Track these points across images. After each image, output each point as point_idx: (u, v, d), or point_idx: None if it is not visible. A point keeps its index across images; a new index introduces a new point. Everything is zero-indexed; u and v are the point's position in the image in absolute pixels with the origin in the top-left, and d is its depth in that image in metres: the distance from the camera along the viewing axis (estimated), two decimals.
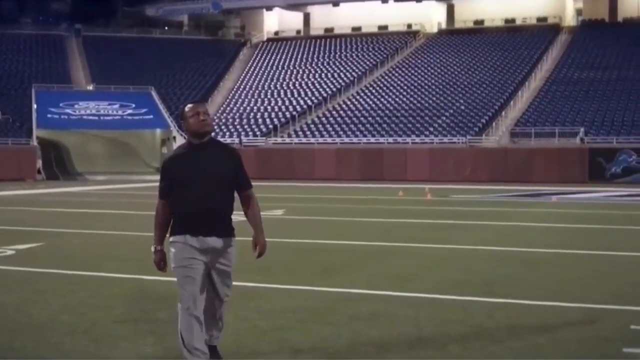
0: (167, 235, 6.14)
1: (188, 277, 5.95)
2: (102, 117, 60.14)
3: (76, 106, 60.42)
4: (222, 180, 6.00)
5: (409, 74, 66.41)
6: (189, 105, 6.08)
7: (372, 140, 53.98)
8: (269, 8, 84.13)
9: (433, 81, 63.65)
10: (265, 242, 6.22)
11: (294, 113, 61.08)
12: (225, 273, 6.14)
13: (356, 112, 59.91)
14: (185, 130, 6.20)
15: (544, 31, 71.53)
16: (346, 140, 54.50)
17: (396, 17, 78.02)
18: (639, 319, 8.40)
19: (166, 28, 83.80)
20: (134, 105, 60.98)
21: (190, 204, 5.95)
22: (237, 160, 6.15)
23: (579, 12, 75.75)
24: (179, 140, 57.93)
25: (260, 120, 60.76)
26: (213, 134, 6.30)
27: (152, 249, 6.15)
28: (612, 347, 7.23)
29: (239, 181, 6.15)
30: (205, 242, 5.97)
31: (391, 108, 59.17)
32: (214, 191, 5.96)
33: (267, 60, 75.21)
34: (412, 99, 60.49)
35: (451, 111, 56.52)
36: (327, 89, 65.66)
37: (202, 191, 5.93)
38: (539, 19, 74.62)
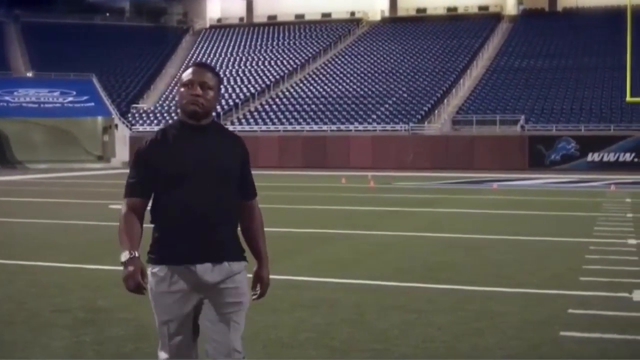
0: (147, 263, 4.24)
1: (172, 331, 4.14)
2: (42, 105, 59.25)
3: (15, 93, 59.45)
4: (225, 179, 4.16)
5: (352, 62, 66.52)
6: (188, 69, 4.25)
7: (315, 127, 54.01)
8: None
9: (376, 69, 63.85)
10: (268, 280, 4.41)
11: (237, 101, 60.84)
12: (233, 316, 4.15)
13: (299, 99, 59.90)
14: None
15: (485, 20, 72.18)
16: (289, 127, 54.47)
17: (339, 5, 78.05)
18: (576, 303, 8.55)
19: (107, 14, 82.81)
20: (74, 93, 60.16)
21: (181, 209, 4.05)
22: (245, 154, 4.33)
23: (519, 1, 76.51)
24: (121, 129, 57.41)
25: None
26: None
27: (125, 255, 4.01)
28: (550, 331, 7.35)
29: (242, 185, 4.30)
30: (200, 274, 4.08)
31: (334, 96, 59.25)
32: (216, 194, 4.11)
33: (209, 48, 74.80)
34: (355, 86, 60.62)
35: (394, 99, 56.77)
36: (270, 77, 65.51)
37: (199, 193, 4.07)
38: (480, 8, 75.29)
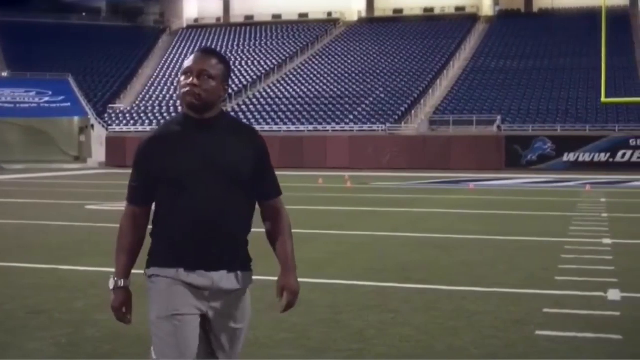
0: (143, 268, 3.81)
1: (177, 337, 3.61)
2: (18, 105, 58.92)
3: None
4: (235, 180, 3.69)
5: (329, 62, 66.56)
6: (190, 57, 3.80)
7: (292, 128, 54.00)
8: None
9: (353, 69, 63.91)
10: (297, 287, 3.88)
11: None
12: (235, 333, 3.79)
13: (276, 99, 59.86)
14: None
15: (462, 20, 72.46)
16: (266, 127, 54.39)
17: (317, 5, 78.09)
18: (551, 302, 8.60)
19: (84, 14, 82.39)
20: (50, 93, 59.88)
21: (185, 217, 3.63)
22: (261, 149, 3.83)
23: (496, 2, 76.91)
24: (98, 129, 57.14)
25: (180, 108, 60.10)
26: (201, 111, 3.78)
27: (111, 283, 3.76)
28: (525, 330, 7.39)
29: (262, 183, 3.83)
30: (207, 280, 3.66)
31: (311, 96, 59.26)
32: (224, 197, 3.66)
33: (186, 48, 74.60)
34: (332, 87, 60.66)
35: (371, 99, 56.85)
36: (248, 77, 65.42)
37: (204, 197, 3.63)
38: (457, 9, 75.59)
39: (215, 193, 3.64)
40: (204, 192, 3.63)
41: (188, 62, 3.73)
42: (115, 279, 3.75)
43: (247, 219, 3.80)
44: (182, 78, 3.71)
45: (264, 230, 3.90)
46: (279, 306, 3.90)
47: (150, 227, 3.78)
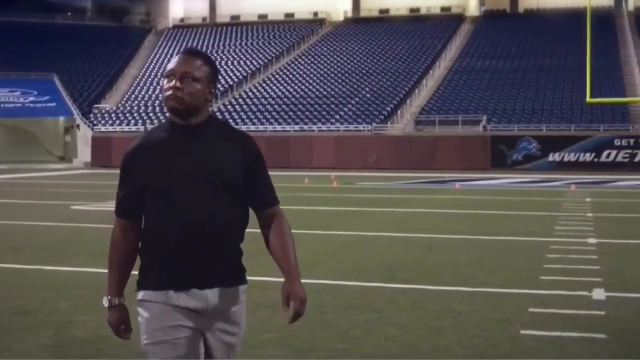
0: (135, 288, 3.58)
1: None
2: (3, 105, 58.70)
3: None
4: (225, 187, 3.47)
5: (316, 63, 66.56)
6: (174, 59, 3.56)
7: (279, 128, 53.98)
8: None
9: (339, 70, 63.93)
10: (305, 294, 3.65)
11: None
12: (231, 347, 3.61)
13: (263, 100, 59.82)
14: None
15: (448, 21, 72.60)
16: (252, 128, 54.33)
17: (303, 5, 78.11)
18: (537, 302, 8.63)
19: (69, 14, 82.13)
20: (36, 93, 59.68)
21: (174, 231, 3.41)
22: (253, 153, 3.59)
23: (482, 2, 77.07)
24: (83, 129, 56.97)
25: (165, 109, 60.04)
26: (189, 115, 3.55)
27: (105, 302, 3.60)
28: (511, 329, 7.41)
29: (256, 190, 3.60)
30: (201, 300, 3.45)
31: (297, 96, 59.25)
32: (215, 207, 3.44)
33: (172, 48, 74.44)
34: (318, 87, 60.67)
35: (357, 99, 56.88)
36: (234, 77, 65.35)
37: (194, 208, 3.42)
38: (443, 9, 75.74)
39: (206, 203, 3.42)
40: (193, 202, 3.41)
41: (171, 65, 3.51)
42: (110, 297, 3.58)
43: (241, 228, 3.59)
44: (165, 82, 3.50)
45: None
46: (286, 317, 3.62)
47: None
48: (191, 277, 3.43)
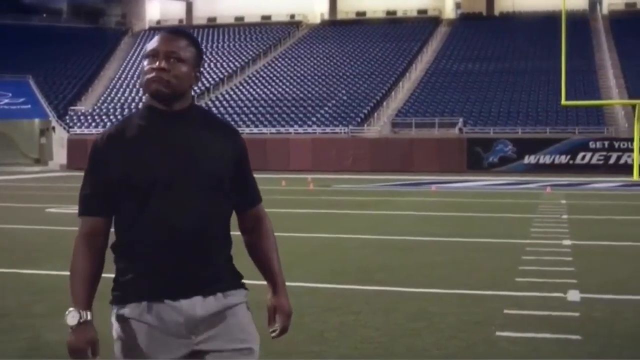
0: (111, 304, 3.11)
1: None
2: None
3: None
4: (214, 184, 3.05)
5: (292, 65, 66.58)
6: (155, 38, 3.14)
7: (255, 130, 53.92)
8: None
9: (316, 72, 63.98)
10: (290, 309, 3.37)
11: None
12: (240, 356, 3.14)
13: (239, 102, 59.74)
14: None
15: (424, 23, 72.86)
16: None
17: (279, 8, 78.13)
18: (512, 303, 8.66)
19: (44, 15, 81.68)
20: (10, 95, 59.34)
21: (155, 232, 2.96)
22: (243, 149, 3.23)
23: (457, 5, 77.45)
24: (59, 131, 56.67)
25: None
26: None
27: (71, 318, 2.94)
28: (486, 331, 7.43)
29: (243, 189, 3.24)
30: (175, 313, 2.99)
31: (274, 98, 59.23)
32: (202, 205, 3.01)
33: None
34: (295, 89, 60.68)
35: (333, 101, 56.94)
36: (210, 79, 65.24)
37: (179, 205, 2.98)
38: (419, 11, 76.00)
39: (192, 198, 2.99)
40: (177, 197, 2.97)
41: (153, 44, 3.08)
42: (80, 311, 2.94)
43: (228, 226, 3.15)
44: (146, 62, 3.06)
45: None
46: (271, 331, 3.32)
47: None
48: (177, 286, 2.98)
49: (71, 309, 2.95)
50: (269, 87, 62.04)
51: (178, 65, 3.02)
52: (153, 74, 3.00)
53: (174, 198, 2.97)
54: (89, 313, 2.95)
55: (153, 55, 3.04)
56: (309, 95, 59.09)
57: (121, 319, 3.00)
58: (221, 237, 3.10)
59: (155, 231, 2.95)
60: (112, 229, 3.07)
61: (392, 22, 74.19)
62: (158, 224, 2.95)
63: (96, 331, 2.95)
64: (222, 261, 3.12)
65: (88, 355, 2.91)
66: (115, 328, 3.02)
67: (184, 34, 3.12)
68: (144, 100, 3.15)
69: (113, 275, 3.07)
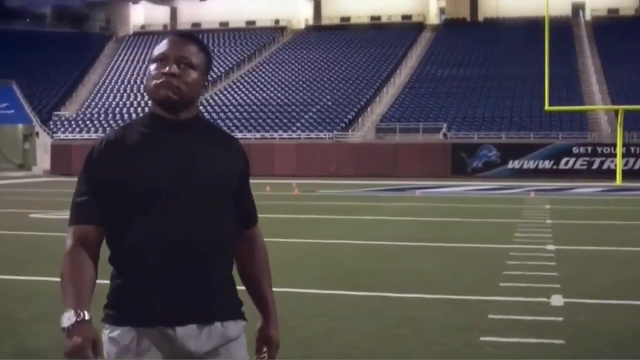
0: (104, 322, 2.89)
1: None
2: None
3: None
4: (218, 198, 2.88)
5: (277, 70, 66.58)
6: (163, 41, 2.95)
7: (239, 135, 53.78)
8: (135, 1, 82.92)
9: (300, 77, 64.01)
10: (278, 340, 3.22)
11: None
12: None
13: (223, 107, 59.69)
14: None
15: (408, 29, 72.98)
16: None
17: (264, 13, 78.17)
18: (496, 308, 8.71)
19: (28, 20, 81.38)
20: None
21: (154, 247, 2.76)
22: (247, 165, 3.10)
23: (442, 10, 77.68)
24: (42, 136, 56.46)
25: (126, 116, 59.77)
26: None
27: (66, 320, 2.64)
28: (470, 336, 7.47)
29: (243, 207, 3.08)
30: (181, 340, 2.79)
31: (258, 103, 59.20)
32: (205, 220, 2.83)
33: (133, 55, 74.07)
34: (279, 94, 60.67)
35: (318, 107, 56.97)
36: None
37: (181, 219, 2.78)
38: (403, 17, 76.15)
39: (194, 211, 2.79)
40: (179, 209, 2.77)
41: (162, 47, 2.90)
42: (77, 310, 2.64)
43: (232, 245, 2.97)
44: (154, 67, 2.87)
45: None
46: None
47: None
48: (172, 311, 2.77)
49: (66, 309, 2.66)
50: (254, 92, 62.02)
51: (189, 72, 2.85)
52: (162, 79, 2.82)
53: (175, 210, 2.77)
54: (87, 312, 2.65)
55: (162, 59, 2.86)
56: (294, 100, 59.11)
57: (112, 342, 2.80)
58: (223, 255, 2.89)
59: (152, 244, 2.74)
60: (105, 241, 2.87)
61: (377, 28, 74.32)
62: (155, 236, 2.75)
63: (97, 331, 2.65)
64: (223, 284, 2.90)
65: (89, 355, 2.58)
66: (106, 348, 2.81)
67: (194, 39, 2.95)
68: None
69: (106, 281, 2.92)
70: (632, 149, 44.99)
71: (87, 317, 2.63)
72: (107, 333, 2.80)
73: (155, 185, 2.75)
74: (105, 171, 2.78)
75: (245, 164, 3.05)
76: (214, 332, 2.83)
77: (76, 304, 2.66)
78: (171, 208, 2.76)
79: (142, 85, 64.99)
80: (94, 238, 2.79)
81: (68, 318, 2.63)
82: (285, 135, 52.95)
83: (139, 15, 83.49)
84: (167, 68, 2.81)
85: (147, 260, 2.75)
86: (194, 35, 3.00)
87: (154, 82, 2.83)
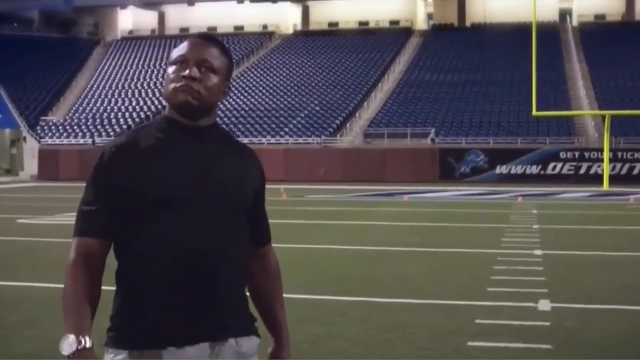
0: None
1: None
2: None
3: None
4: (234, 210, 2.73)
5: (265, 75, 66.58)
6: (183, 43, 2.76)
7: None
8: (123, 6, 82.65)
9: (288, 82, 64.03)
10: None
11: (149, 113, 60.29)
12: None
13: None
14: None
15: (396, 34, 73.07)
16: None
17: (252, 18, 78.16)
18: (484, 313, 8.74)
19: (15, 24, 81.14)
20: None
21: (165, 260, 2.59)
22: (263, 180, 2.96)
23: (429, 16, 77.82)
24: (30, 141, 56.32)
25: (114, 121, 59.68)
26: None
27: (66, 346, 2.49)
28: (458, 341, 7.50)
29: (257, 223, 2.93)
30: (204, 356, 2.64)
31: (246, 108, 59.18)
32: (221, 232, 2.67)
33: (121, 60, 73.95)
34: (267, 99, 60.67)
35: (306, 112, 56.99)
36: None
37: (195, 230, 2.62)
38: (391, 22, 76.27)
39: (210, 222, 2.64)
40: (193, 220, 2.61)
41: (182, 49, 2.72)
42: (79, 336, 2.49)
43: (243, 265, 2.80)
44: (172, 69, 2.70)
45: None
46: None
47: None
48: (183, 329, 2.60)
49: (67, 335, 2.51)
50: (242, 97, 61.99)
51: (210, 76, 2.69)
52: (182, 83, 2.64)
53: (188, 220, 2.60)
54: (88, 339, 2.50)
55: (182, 62, 2.68)
56: (282, 105, 59.11)
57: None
58: (234, 268, 2.70)
59: (162, 253, 2.57)
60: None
61: (365, 33, 74.38)
62: (166, 244, 2.57)
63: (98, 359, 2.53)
64: (235, 297, 2.72)
65: None
66: None
67: (216, 41, 2.79)
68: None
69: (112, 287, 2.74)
70: (619, 154, 45.13)
71: (88, 345, 2.49)
72: (111, 358, 2.61)
73: (168, 192, 2.58)
74: (115, 176, 2.60)
75: (263, 181, 2.91)
76: (228, 349, 2.66)
77: (77, 329, 2.51)
78: (184, 216, 2.59)
79: (130, 90, 65.22)
80: (98, 252, 2.61)
81: (69, 345, 2.48)
82: (273, 140, 52.96)
83: (127, 20, 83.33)
84: (187, 71, 2.65)
85: (157, 270, 2.57)
86: (216, 38, 2.84)
87: (173, 85, 2.67)
